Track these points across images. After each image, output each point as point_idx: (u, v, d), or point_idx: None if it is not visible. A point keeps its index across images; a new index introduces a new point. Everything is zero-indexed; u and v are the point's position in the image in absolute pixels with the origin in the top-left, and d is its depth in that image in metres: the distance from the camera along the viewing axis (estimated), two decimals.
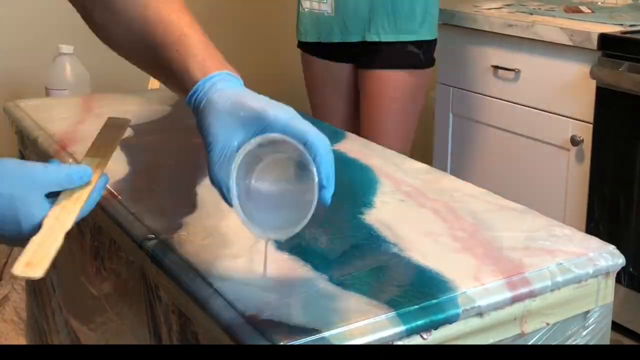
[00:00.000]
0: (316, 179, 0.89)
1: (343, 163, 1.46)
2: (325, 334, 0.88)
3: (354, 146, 1.55)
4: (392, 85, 2.51)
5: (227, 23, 3.19)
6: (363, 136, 2.40)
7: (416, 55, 2.51)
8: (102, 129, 1.12)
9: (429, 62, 2.56)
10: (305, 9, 2.58)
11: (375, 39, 2.49)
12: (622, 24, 2.51)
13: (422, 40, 2.52)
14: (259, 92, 0.98)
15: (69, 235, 0.91)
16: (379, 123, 2.53)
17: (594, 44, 2.38)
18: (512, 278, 1.01)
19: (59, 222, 0.91)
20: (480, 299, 0.97)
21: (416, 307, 0.94)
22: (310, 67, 2.68)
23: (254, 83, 1.05)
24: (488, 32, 2.75)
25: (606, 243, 1.11)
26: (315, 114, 2.68)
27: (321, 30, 2.56)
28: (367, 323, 0.91)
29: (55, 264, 0.90)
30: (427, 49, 2.54)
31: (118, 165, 1.42)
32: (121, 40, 1.10)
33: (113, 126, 1.14)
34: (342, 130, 1.65)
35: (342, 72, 2.63)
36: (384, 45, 2.50)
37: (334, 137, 1.60)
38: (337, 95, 2.67)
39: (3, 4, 2.60)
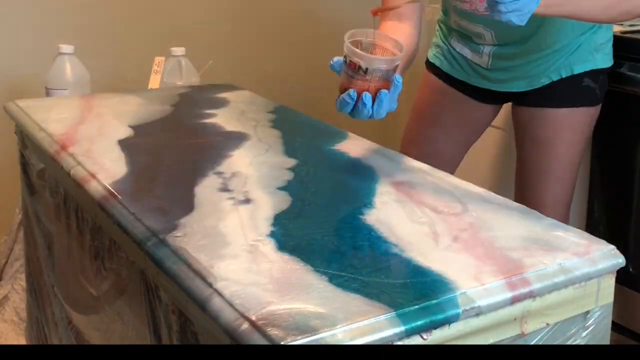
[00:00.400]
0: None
1: (344, 163, 1.46)
2: (325, 334, 0.88)
3: (355, 146, 1.55)
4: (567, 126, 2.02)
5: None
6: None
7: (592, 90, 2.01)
8: None
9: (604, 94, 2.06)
10: (456, 49, 2.08)
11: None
12: (622, 24, 2.49)
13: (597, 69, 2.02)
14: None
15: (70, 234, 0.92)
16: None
17: None
18: (512, 278, 1.01)
19: None
20: (480, 299, 0.97)
21: (416, 307, 0.94)
22: (436, 92, 2.18)
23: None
24: None
25: (606, 243, 1.11)
26: (410, 138, 2.23)
27: (471, 75, 2.07)
28: (367, 323, 0.90)
29: (55, 264, 0.90)
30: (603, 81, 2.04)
31: (118, 165, 1.42)
32: None
33: None
34: (343, 131, 1.65)
35: (479, 111, 2.14)
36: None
37: (335, 137, 1.60)
38: (453, 133, 2.18)
39: (3, 3, 2.60)
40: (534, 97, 1.98)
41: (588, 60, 1.98)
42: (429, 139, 2.15)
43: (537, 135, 2.01)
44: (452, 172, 2.14)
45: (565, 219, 1.95)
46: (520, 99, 2.02)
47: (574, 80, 1.97)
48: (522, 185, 2.08)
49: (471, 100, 2.09)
